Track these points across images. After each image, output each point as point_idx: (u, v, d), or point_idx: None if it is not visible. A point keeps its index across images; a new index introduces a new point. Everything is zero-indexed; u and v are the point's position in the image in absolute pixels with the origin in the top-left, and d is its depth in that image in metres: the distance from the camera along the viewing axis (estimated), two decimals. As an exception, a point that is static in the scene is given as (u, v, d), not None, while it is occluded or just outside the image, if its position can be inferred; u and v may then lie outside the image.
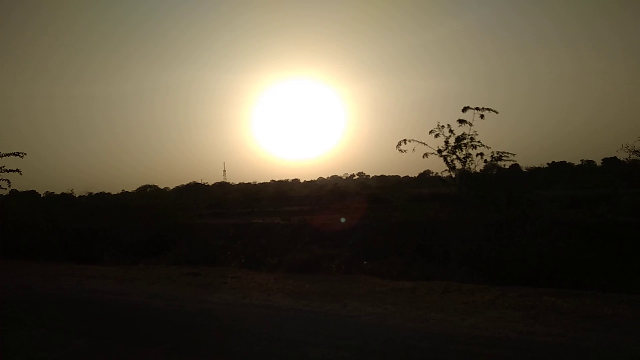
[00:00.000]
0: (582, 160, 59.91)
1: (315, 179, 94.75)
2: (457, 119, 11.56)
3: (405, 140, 11.66)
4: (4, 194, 16.51)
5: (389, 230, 13.22)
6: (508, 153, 11.42)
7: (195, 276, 10.29)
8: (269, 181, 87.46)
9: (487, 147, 11.38)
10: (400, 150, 11.70)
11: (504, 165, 12.00)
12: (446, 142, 11.64)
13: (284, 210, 32.60)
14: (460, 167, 11.59)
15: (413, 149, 11.69)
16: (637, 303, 6.74)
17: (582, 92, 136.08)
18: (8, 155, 15.36)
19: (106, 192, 63.40)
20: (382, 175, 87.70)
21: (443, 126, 11.68)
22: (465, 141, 11.44)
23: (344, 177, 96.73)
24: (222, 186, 77.81)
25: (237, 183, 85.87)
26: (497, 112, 11.38)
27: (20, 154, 15.43)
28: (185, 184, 70.17)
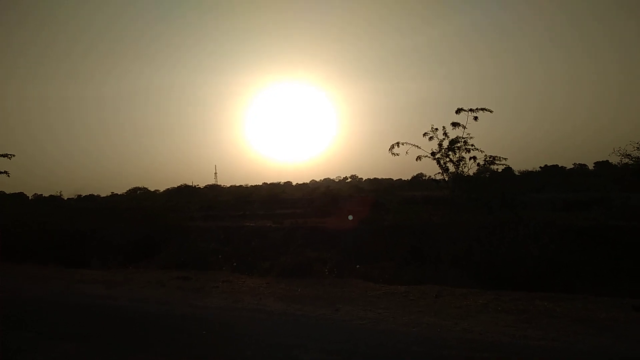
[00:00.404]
0: (574, 164, 60.33)
1: (308, 181, 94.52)
2: (450, 121, 11.56)
3: (398, 144, 11.61)
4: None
5: (381, 233, 13.17)
6: (500, 157, 11.43)
7: (186, 280, 10.17)
8: (260, 184, 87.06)
9: (481, 151, 11.38)
10: (392, 154, 11.66)
11: (497, 168, 12.02)
12: (440, 145, 11.62)
13: (277, 213, 32.47)
14: (454, 170, 11.58)
15: (406, 152, 11.66)
16: (629, 307, 6.74)
17: (574, 95, 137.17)
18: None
19: (95, 194, 62.94)
20: (375, 178, 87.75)
21: (437, 129, 11.66)
22: (459, 144, 11.43)
23: (337, 180, 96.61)
24: (214, 189, 77.34)
25: (228, 186, 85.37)
26: (491, 112, 11.37)
27: (9, 156, 15.25)
28: (175, 186, 69.74)
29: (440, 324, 6.19)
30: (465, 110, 11.43)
